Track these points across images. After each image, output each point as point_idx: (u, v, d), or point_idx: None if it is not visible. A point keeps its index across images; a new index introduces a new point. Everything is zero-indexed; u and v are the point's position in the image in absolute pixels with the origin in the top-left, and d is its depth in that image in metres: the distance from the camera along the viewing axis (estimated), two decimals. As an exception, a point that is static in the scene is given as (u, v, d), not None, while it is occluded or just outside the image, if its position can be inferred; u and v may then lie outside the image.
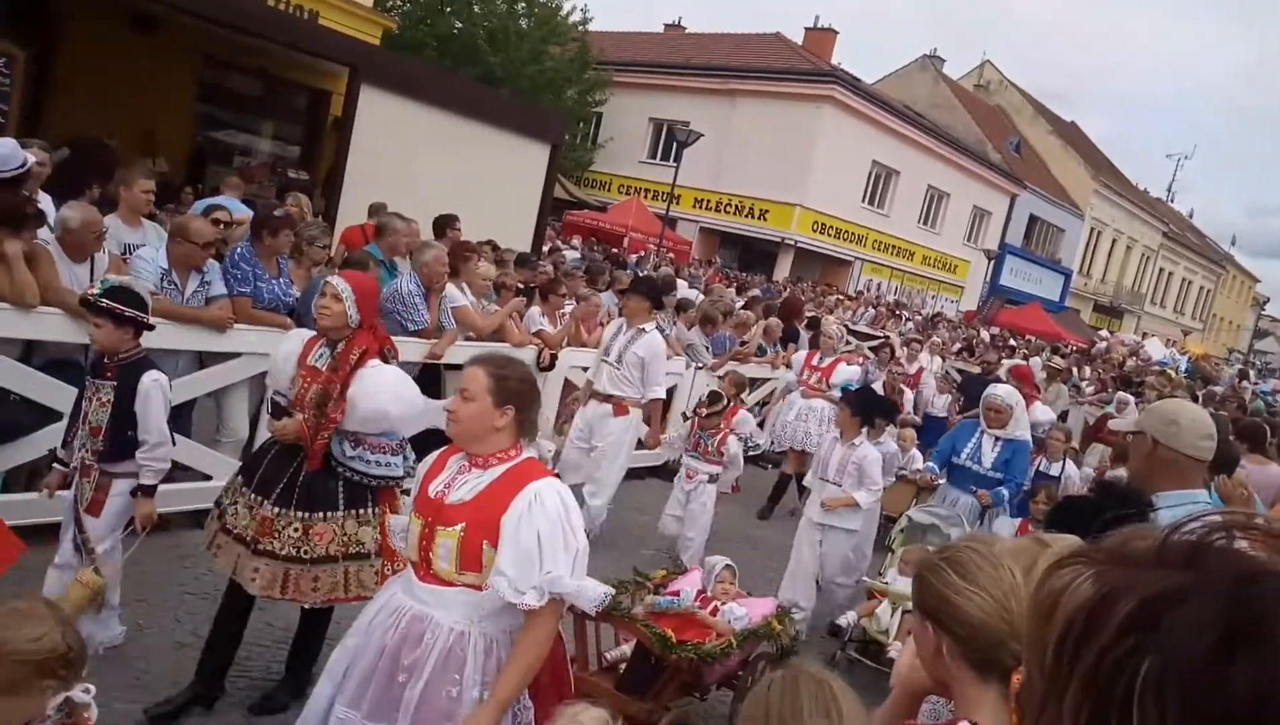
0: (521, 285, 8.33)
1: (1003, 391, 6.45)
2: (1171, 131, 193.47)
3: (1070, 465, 7.80)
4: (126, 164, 8.96)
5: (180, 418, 5.29)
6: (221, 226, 6.27)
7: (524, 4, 26.12)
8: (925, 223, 33.00)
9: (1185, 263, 53.66)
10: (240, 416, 5.58)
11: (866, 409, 6.00)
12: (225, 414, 5.56)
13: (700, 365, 9.02)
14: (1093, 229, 42.58)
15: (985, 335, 21.39)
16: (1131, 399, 11.55)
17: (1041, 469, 7.64)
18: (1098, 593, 0.71)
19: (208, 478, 5.34)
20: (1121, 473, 7.59)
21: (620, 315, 7.13)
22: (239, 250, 5.71)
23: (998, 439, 6.25)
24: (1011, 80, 44.28)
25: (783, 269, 27.45)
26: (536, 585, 2.48)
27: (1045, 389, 11.97)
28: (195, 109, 12.84)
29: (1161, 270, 50.95)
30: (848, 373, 8.87)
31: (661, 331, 8.87)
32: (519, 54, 24.72)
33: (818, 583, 5.97)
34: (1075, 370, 17.48)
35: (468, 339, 6.77)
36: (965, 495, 6.21)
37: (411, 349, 6.33)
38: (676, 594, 4.34)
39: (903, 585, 5.47)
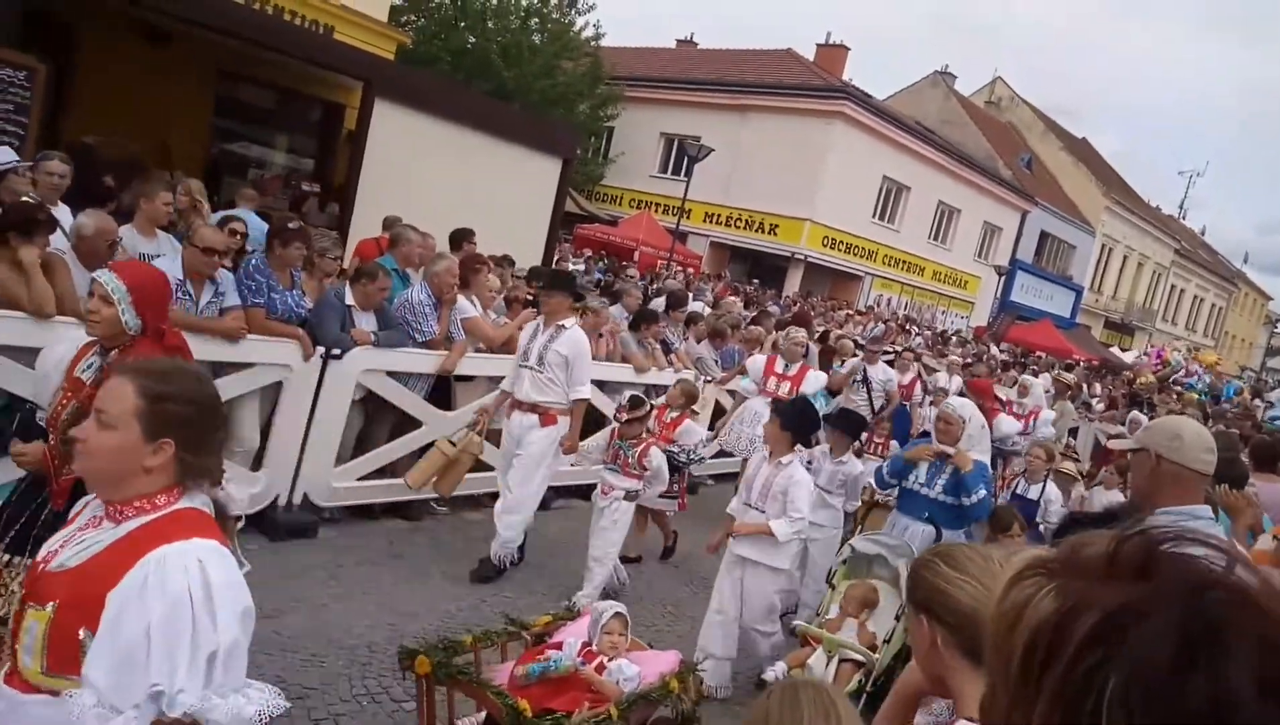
0: (531, 297, 8.36)
1: (957, 402, 5.83)
2: (1183, 148, 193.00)
3: (1052, 488, 7.00)
4: (120, 161, 9.09)
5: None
6: (238, 237, 6.36)
7: (537, 20, 26.32)
8: (936, 238, 32.98)
9: (1197, 280, 53.47)
10: (252, 426, 5.63)
11: (800, 424, 5.19)
12: (237, 424, 5.60)
13: (709, 379, 9.04)
14: (1104, 246, 42.49)
15: (995, 351, 21.35)
16: (1144, 419, 11.35)
17: (1019, 492, 6.95)
18: (1060, 607, 0.74)
19: (219, 487, 5.39)
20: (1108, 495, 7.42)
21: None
22: (253, 261, 5.78)
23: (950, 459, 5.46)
24: (1023, 96, 44.32)
25: (793, 283, 27.47)
26: (139, 705, 1.65)
27: (1051, 405, 11.57)
28: (210, 122, 12.96)
29: (1173, 287, 50.78)
30: (820, 381, 8.04)
31: (668, 346, 8.89)
32: (532, 69, 24.89)
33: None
34: (1085, 387, 17.44)
35: (477, 351, 6.82)
36: (915, 523, 5.46)
37: (422, 361, 6.39)
38: (558, 646, 3.66)
39: (841, 631, 4.79)
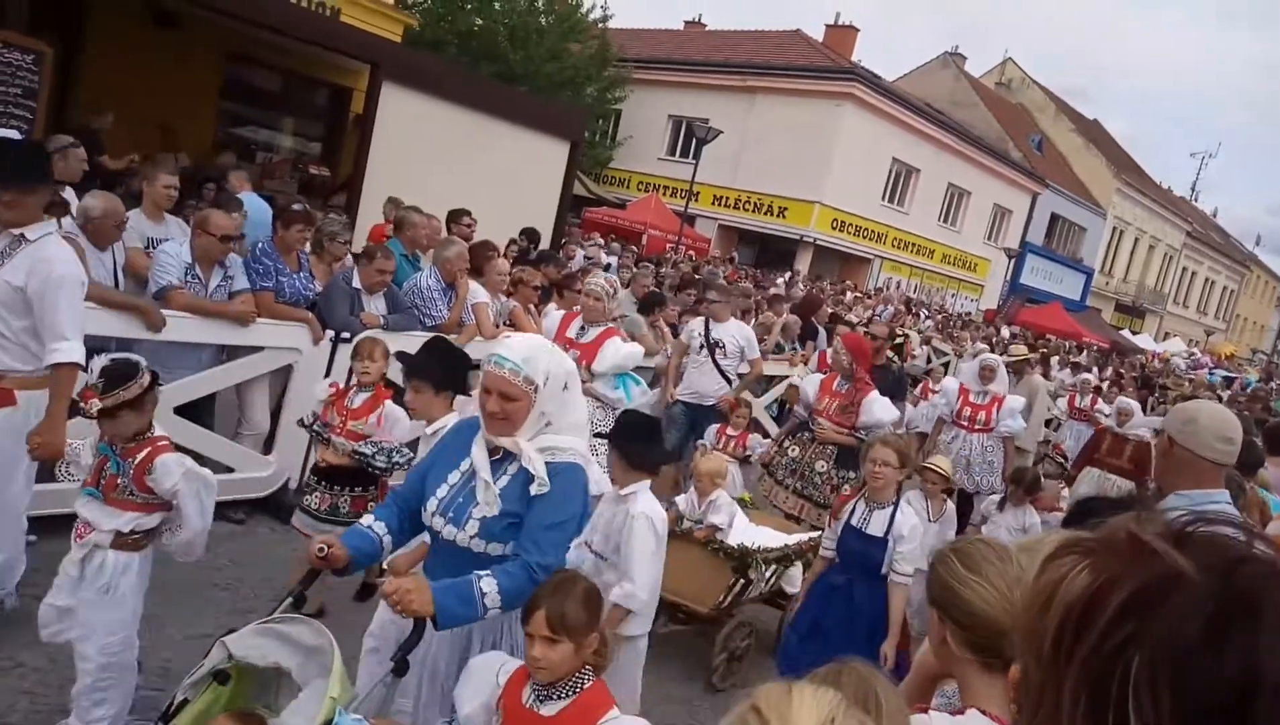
0: (541, 285, 8.28)
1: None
2: (1195, 129, 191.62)
3: (906, 514, 4.26)
4: (114, 146, 9.09)
5: (203, 411, 5.36)
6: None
7: (544, 1, 26.16)
8: (945, 221, 32.81)
9: (1209, 262, 53.14)
10: (262, 409, 5.65)
11: (636, 448, 3.42)
12: (247, 407, 5.61)
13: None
14: (1115, 228, 42.22)
15: (1005, 333, 21.26)
16: (1135, 406, 10.88)
17: (855, 522, 4.26)
18: (1093, 582, 0.73)
19: (229, 470, 5.41)
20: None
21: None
22: (261, 245, 5.78)
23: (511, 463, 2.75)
24: (1033, 77, 43.99)
25: (801, 266, 27.38)
26: None
27: (1015, 385, 8.96)
28: (217, 105, 12.95)
29: (1184, 269, 50.48)
30: (625, 353, 5.72)
31: (678, 329, 8.79)
32: (539, 51, 24.77)
33: None
34: (1095, 370, 17.36)
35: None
36: None
37: (431, 344, 6.38)
38: None
39: None
